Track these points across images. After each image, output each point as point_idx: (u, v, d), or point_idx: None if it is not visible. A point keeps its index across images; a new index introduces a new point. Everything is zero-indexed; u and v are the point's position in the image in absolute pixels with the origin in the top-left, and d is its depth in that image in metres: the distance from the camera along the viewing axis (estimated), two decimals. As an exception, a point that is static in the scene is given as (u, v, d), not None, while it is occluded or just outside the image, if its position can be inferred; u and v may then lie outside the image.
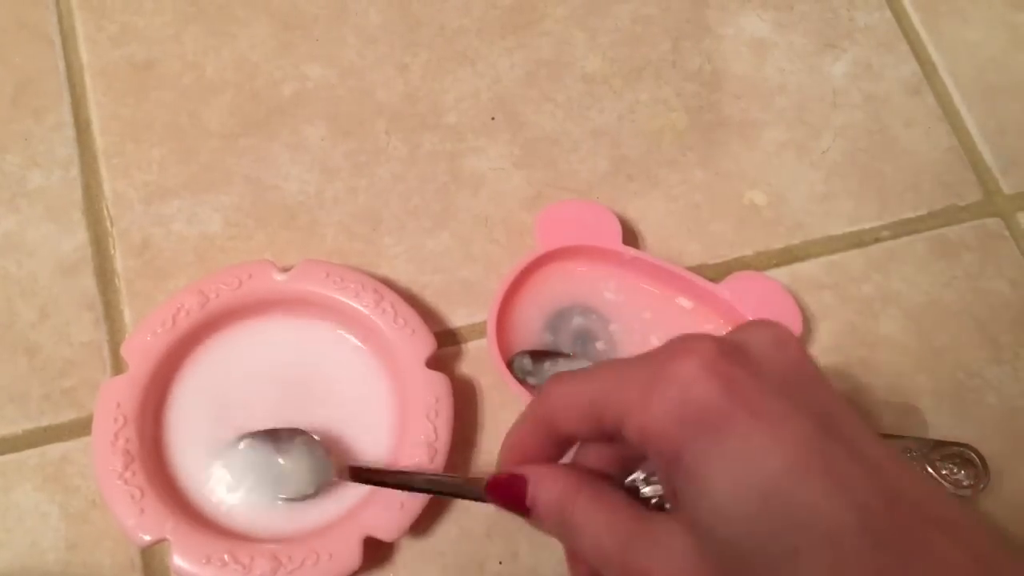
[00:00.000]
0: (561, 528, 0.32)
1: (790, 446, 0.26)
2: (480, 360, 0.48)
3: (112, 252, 0.50)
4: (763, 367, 0.29)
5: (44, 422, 0.46)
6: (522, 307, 0.49)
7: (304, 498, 0.43)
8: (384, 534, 0.42)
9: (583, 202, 0.52)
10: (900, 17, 0.59)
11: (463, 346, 0.49)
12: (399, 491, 0.41)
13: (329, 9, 0.56)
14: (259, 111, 0.53)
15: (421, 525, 0.44)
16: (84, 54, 0.54)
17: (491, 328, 0.46)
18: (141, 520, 0.41)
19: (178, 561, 0.41)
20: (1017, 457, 0.48)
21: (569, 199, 0.52)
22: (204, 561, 0.41)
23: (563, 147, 0.54)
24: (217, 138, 0.53)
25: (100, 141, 0.52)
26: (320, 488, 0.43)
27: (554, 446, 0.33)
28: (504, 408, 0.47)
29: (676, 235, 0.52)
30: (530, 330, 0.48)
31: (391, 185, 0.52)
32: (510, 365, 0.47)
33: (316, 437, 0.43)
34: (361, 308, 0.46)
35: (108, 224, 0.50)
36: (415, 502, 0.42)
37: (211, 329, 0.46)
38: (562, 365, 0.48)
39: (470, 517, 0.45)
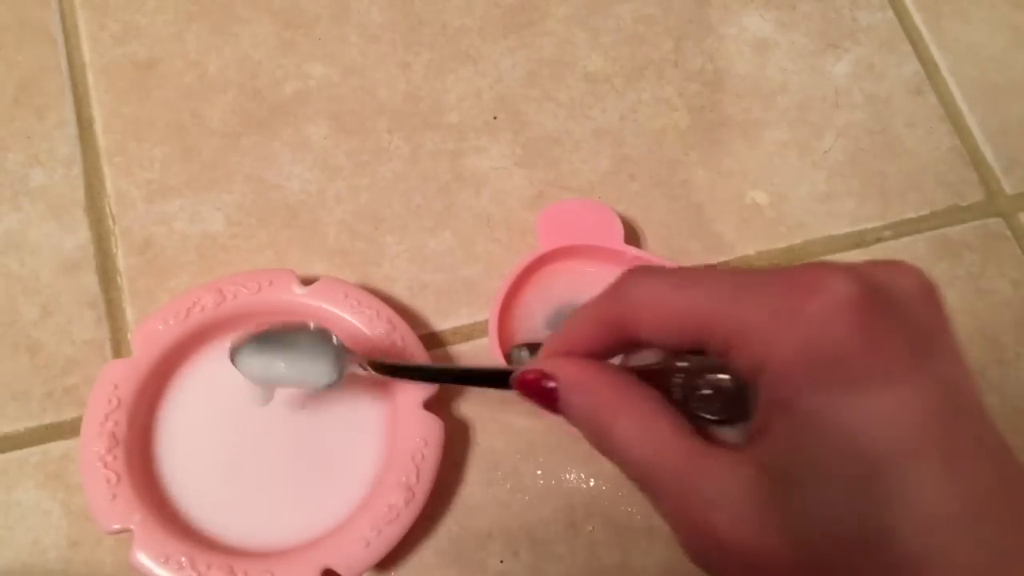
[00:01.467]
0: (599, 442, 0.29)
1: (918, 418, 0.24)
2: (482, 359, 0.48)
3: (114, 250, 0.50)
4: (907, 319, 0.26)
5: (46, 420, 0.46)
6: (524, 306, 0.49)
7: (328, 387, 0.41)
8: (344, 569, 0.41)
9: (585, 201, 0.52)
10: (902, 17, 0.58)
11: (464, 345, 0.49)
12: (368, 528, 0.41)
13: (331, 8, 0.56)
14: (261, 110, 0.53)
15: (389, 563, 0.44)
16: (86, 52, 0.54)
17: (493, 327, 0.46)
18: (111, 506, 0.41)
19: (137, 554, 0.41)
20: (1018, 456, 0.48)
21: (571, 198, 0.52)
22: (162, 560, 0.41)
23: (565, 146, 0.54)
24: (219, 137, 0.53)
25: (102, 139, 0.52)
26: (343, 376, 0.41)
27: (617, 345, 0.30)
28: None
29: (678, 234, 0.52)
30: (531, 328, 0.48)
31: (393, 184, 0.52)
32: (507, 357, 0.47)
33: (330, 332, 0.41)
34: (371, 336, 0.46)
35: (110, 222, 0.50)
36: (382, 542, 0.42)
37: (222, 329, 0.46)
38: None
39: (470, 516, 0.45)
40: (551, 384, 0.29)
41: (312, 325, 0.41)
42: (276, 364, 0.41)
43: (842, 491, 0.24)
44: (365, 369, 0.41)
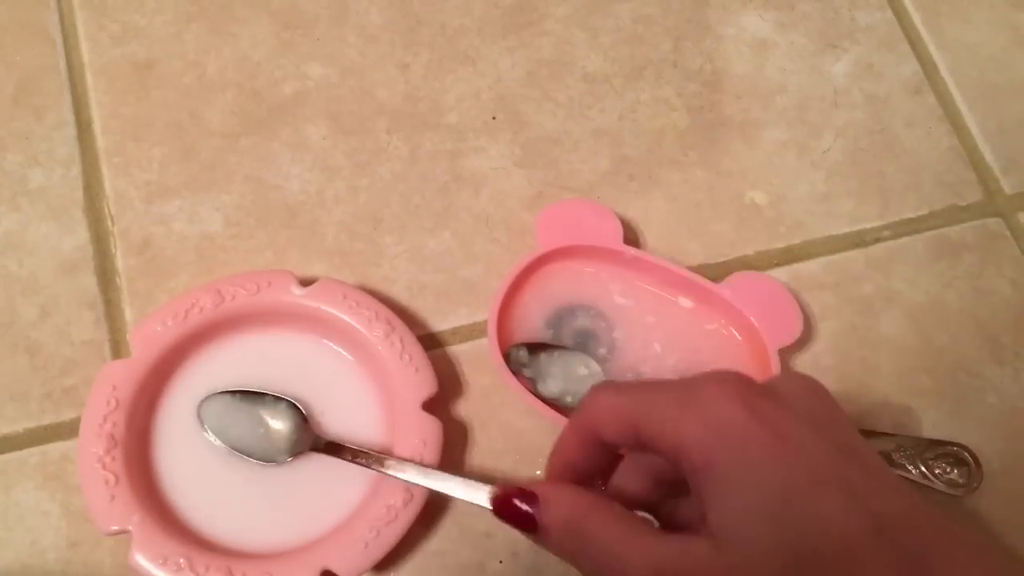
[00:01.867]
0: (574, 543, 0.32)
1: (812, 462, 0.29)
2: (481, 359, 0.48)
3: (113, 251, 0.50)
4: (789, 403, 0.31)
5: (45, 421, 0.46)
6: (523, 306, 0.49)
7: (277, 463, 0.44)
8: (342, 570, 0.41)
9: (584, 201, 0.52)
10: (901, 17, 0.58)
11: (463, 345, 0.49)
12: (366, 529, 0.41)
13: (330, 8, 0.56)
14: (260, 110, 0.53)
15: (388, 564, 0.44)
16: (85, 53, 0.54)
17: (492, 327, 0.46)
18: (110, 507, 0.41)
19: (136, 556, 0.41)
20: (1017, 457, 0.48)
21: (570, 198, 0.52)
22: (161, 561, 0.41)
23: (564, 147, 0.54)
24: (218, 137, 0.53)
25: (101, 140, 0.52)
26: (295, 455, 0.44)
27: (596, 452, 0.34)
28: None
29: (677, 234, 0.52)
30: (531, 328, 0.48)
31: (392, 184, 0.52)
32: (506, 357, 0.47)
33: (299, 406, 0.44)
34: (370, 337, 0.46)
35: (109, 223, 0.50)
36: (380, 543, 0.42)
37: (220, 330, 0.46)
38: (557, 357, 0.48)
39: (470, 516, 0.45)
40: (532, 496, 0.33)
41: (285, 400, 0.45)
42: (238, 425, 0.44)
43: (768, 526, 0.28)
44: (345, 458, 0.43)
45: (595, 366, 0.48)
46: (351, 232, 0.51)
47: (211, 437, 0.44)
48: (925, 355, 0.50)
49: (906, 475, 0.44)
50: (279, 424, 0.44)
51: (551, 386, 0.47)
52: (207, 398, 0.45)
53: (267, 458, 0.44)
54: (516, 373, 0.46)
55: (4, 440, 0.46)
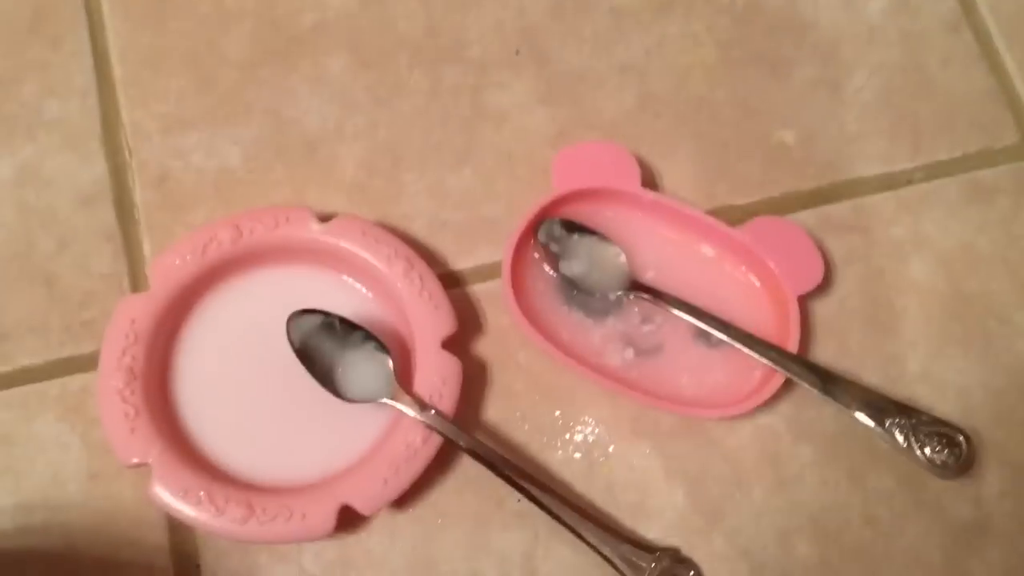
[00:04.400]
0: None
1: None
2: (501, 299, 0.48)
3: (131, 184, 0.49)
4: None
5: (64, 353, 0.46)
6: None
7: (354, 401, 0.43)
8: (362, 506, 0.41)
9: (601, 143, 0.50)
10: (941, -49, 0.56)
11: (483, 284, 0.48)
12: (385, 466, 0.42)
13: (350, -64, 0.54)
14: (279, 41, 0.52)
15: (406, 500, 0.44)
16: (101, -19, 0.53)
17: (506, 271, 0.46)
18: (130, 440, 0.42)
19: (156, 488, 0.41)
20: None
21: (588, 140, 0.51)
22: (181, 494, 0.41)
23: (589, 83, 0.52)
24: (236, 69, 0.52)
25: (118, 70, 0.51)
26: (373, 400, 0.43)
27: None
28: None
29: (702, 174, 0.51)
30: (546, 271, 0.48)
31: (412, 120, 0.51)
32: (539, 228, 0.47)
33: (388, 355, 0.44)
34: (389, 274, 0.45)
35: (127, 155, 0.50)
36: (399, 479, 0.42)
37: (238, 265, 0.46)
38: (587, 242, 0.48)
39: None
40: None
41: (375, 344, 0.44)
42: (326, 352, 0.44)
43: None
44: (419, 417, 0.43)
45: (623, 259, 0.47)
46: (370, 168, 0.50)
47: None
48: (954, 300, 0.49)
49: (893, 443, 0.44)
50: (362, 363, 0.44)
51: (575, 266, 0.47)
52: (296, 314, 0.44)
53: (344, 395, 0.44)
54: (544, 245, 0.47)
55: (24, 372, 0.46)
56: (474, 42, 0.53)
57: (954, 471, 0.44)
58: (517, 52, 0.53)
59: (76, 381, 0.46)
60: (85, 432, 0.45)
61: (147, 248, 0.48)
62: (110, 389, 0.42)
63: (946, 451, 0.44)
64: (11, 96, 0.51)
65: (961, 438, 0.44)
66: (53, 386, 0.46)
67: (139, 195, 0.49)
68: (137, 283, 0.48)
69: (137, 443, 0.42)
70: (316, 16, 0.53)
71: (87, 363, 0.46)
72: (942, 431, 0.44)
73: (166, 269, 0.45)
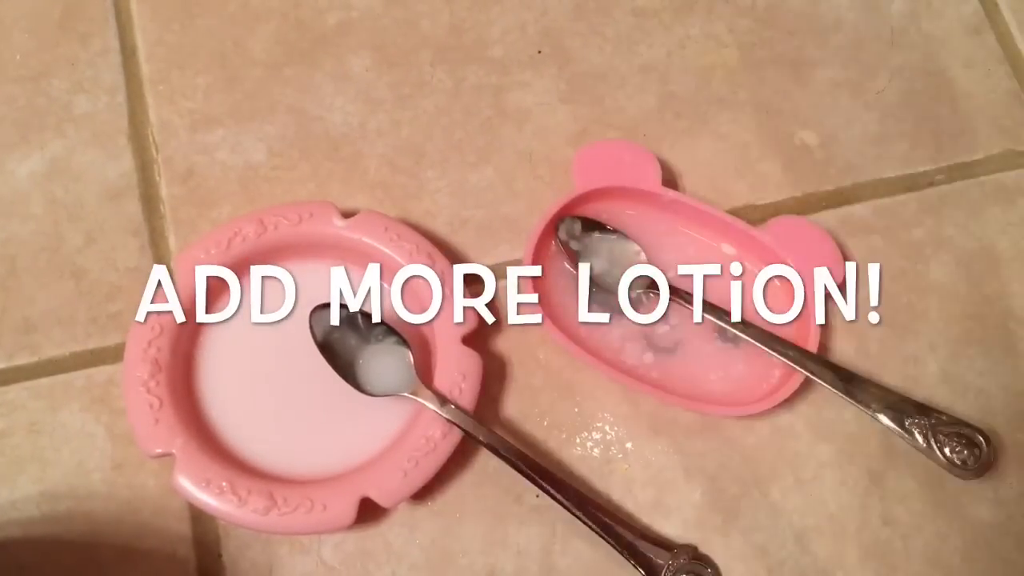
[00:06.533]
0: None
1: None
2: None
3: (157, 179, 0.50)
4: None
5: (91, 345, 0.47)
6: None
7: (375, 395, 0.44)
8: (382, 498, 0.42)
9: (622, 142, 0.51)
10: (964, -47, 0.56)
11: (504, 282, 0.49)
12: (405, 459, 0.42)
13: (375, -63, 0.55)
14: (304, 40, 0.53)
15: (426, 493, 0.45)
16: (130, -21, 0.54)
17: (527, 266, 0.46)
18: (154, 431, 0.42)
19: (179, 478, 0.41)
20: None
21: (609, 139, 0.51)
22: (204, 484, 0.41)
23: (610, 83, 0.53)
24: (261, 67, 0.52)
25: (146, 68, 0.52)
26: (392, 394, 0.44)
27: None
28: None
29: (723, 174, 0.51)
30: (566, 269, 0.48)
31: (435, 118, 0.52)
32: (558, 227, 0.47)
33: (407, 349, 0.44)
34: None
35: (154, 151, 0.51)
36: (419, 473, 0.42)
37: (263, 259, 0.46)
38: (607, 240, 0.48)
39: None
40: None
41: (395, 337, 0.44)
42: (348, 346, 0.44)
43: None
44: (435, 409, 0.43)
45: (643, 256, 0.48)
46: (393, 165, 0.51)
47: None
48: (974, 302, 0.49)
49: (913, 443, 0.44)
50: (384, 357, 0.45)
51: (595, 265, 0.47)
52: (319, 308, 0.44)
53: (362, 388, 0.44)
54: (565, 243, 0.47)
55: (51, 363, 0.47)
56: (497, 41, 0.53)
57: (974, 471, 0.44)
58: (539, 51, 0.53)
59: (102, 373, 0.47)
60: (110, 422, 0.46)
61: (173, 243, 0.49)
62: (135, 380, 0.43)
63: (966, 451, 0.44)
64: (41, 91, 0.52)
65: (981, 438, 0.44)
66: (79, 377, 0.47)
67: (165, 190, 0.50)
68: (162, 277, 0.48)
69: (161, 433, 0.42)
70: (340, 15, 0.53)
71: (113, 355, 0.47)
72: (962, 431, 0.44)
73: (191, 263, 0.45)
